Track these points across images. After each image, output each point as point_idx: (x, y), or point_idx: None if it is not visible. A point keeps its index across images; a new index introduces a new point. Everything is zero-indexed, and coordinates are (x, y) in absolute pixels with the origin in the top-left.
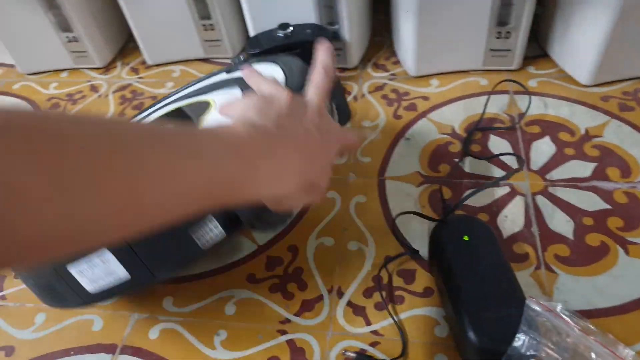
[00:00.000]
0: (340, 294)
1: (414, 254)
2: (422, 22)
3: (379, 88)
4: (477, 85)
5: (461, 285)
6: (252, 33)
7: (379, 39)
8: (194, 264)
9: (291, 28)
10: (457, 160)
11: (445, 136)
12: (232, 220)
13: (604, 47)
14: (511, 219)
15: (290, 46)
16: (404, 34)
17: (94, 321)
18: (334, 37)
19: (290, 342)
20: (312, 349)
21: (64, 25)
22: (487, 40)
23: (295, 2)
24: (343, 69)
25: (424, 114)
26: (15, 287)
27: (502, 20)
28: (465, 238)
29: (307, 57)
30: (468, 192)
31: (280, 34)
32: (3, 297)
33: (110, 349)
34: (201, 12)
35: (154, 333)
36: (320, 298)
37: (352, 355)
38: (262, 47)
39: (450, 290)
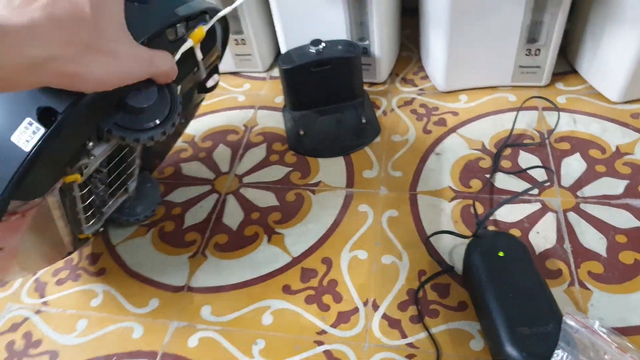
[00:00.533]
0: (376, 307)
1: (449, 271)
2: (452, 38)
3: (408, 103)
4: (505, 101)
5: (498, 300)
6: (283, 48)
7: (406, 54)
8: (30, 175)
9: (323, 44)
10: (487, 176)
11: (475, 152)
12: (47, 113)
13: (634, 64)
14: (543, 235)
15: (322, 62)
16: (433, 49)
17: (134, 329)
18: (364, 53)
19: (327, 353)
20: None
21: None
22: (516, 57)
23: (327, 19)
24: (372, 84)
25: (453, 129)
26: (57, 293)
27: (532, 37)
28: (501, 254)
29: (338, 72)
30: (497, 205)
31: (312, 50)
32: (45, 303)
33: (150, 355)
34: (234, 27)
35: (193, 341)
36: (355, 310)
37: None
38: (294, 63)
39: (487, 305)
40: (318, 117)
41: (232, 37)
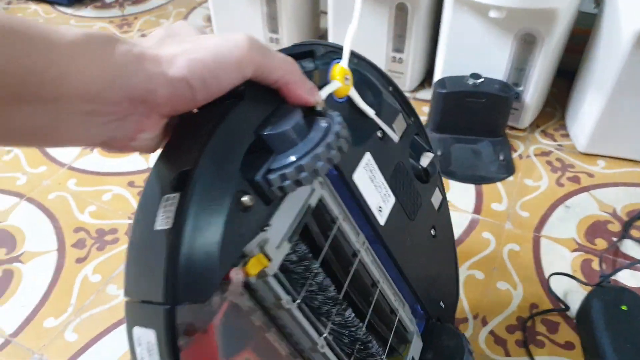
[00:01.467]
0: (485, 323)
1: (564, 311)
2: (610, 104)
3: (545, 154)
4: None
5: (615, 349)
6: (437, 74)
7: (549, 110)
8: (185, 260)
9: (482, 79)
10: (615, 239)
11: (605, 214)
12: (181, 178)
13: None
14: None
15: (478, 95)
16: (584, 111)
17: None
18: (516, 98)
19: None
20: None
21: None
22: None
23: (491, 58)
24: (512, 127)
25: (586, 189)
26: None
27: None
28: (624, 307)
29: (489, 108)
30: (627, 264)
31: (470, 82)
32: None
33: None
34: (397, 45)
35: None
36: (465, 320)
37: None
38: (448, 89)
39: (604, 351)
40: (455, 143)
41: (392, 54)
